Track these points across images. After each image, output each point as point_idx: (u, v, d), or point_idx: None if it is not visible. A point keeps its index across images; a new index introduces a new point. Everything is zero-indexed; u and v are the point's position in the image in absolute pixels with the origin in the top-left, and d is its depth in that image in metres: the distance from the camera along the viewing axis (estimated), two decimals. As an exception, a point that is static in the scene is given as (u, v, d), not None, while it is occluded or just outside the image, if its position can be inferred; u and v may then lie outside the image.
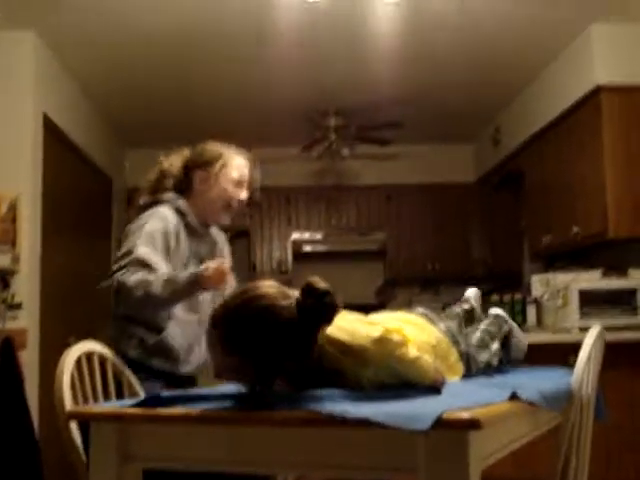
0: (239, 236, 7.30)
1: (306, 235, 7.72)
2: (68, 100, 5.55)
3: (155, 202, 2.77)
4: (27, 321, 4.55)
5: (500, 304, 5.06)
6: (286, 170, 7.50)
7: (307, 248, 7.71)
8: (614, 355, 3.35)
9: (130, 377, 2.55)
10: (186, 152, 2.90)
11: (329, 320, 1.72)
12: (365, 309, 2.17)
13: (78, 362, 2.28)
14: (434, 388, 1.77)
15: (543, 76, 5.72)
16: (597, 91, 4.84)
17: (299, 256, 7.67)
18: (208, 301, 2.74)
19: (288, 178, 7.58)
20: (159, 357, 2.64)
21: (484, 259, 7.43)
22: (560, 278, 4.99)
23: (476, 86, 6.02)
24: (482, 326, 2.47)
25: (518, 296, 5.11)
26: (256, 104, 6.06)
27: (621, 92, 4.81)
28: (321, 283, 1.71)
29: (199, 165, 2.82)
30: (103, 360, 2.46)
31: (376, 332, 1.80)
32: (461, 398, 1.65)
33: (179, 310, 2.67)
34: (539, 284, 5.16)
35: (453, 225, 7.75)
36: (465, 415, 1.42)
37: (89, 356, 2.38)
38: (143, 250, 2.55)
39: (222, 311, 1.72)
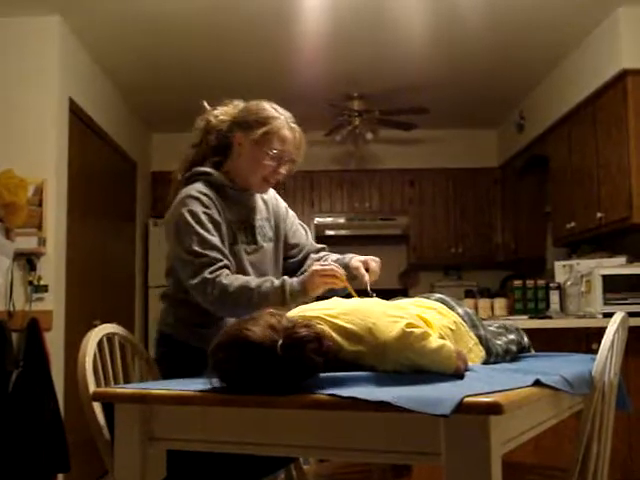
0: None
1: (329, 219, 7.72)
2: (93, 84, 5.58)
3: (190, 179, 2.57)
4: (53, 303, 4.60)
5: (523, 289, 5.05)
6: (309, 154, 7.42)
7: (330, 232, 7.70)
8: (638, 341, 3.34)
9: (149, 358, 2.56)
10: (238, 107, 2.66)
11: (312, 372, 1.67)
12: (388, 293, 2.18)
13: (100, 344, 2.30)
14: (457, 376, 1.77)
15: (568, 60, 5.67)
16: (623, 75, 4.79)
17: (322, 240, 7.64)
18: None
19: (311, 162, 7.49)
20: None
21: (507, 244, 7.40)
22: (584, 264, 4.97)
23: (500, 71, 5.98)
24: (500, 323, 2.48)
25: (541, 282, 5.09)
26: (280, 88, 6.05)
27: (647, 76, 4.76)
28: (303, 337, 1.64)
29: (241, 125, 2.57)
30: (124, 342, 2.48)
31: (397, 328, 1.79)
32: (483, 383, 1.65)
33: None
34: (562, 270, 5.14)
35: (477, 210, 7.73)
36: (486, 400, 1.42)
37: (110, 338, 2.40)
38: (214, 241, 2.39)
39: (213, 348, 1.70)
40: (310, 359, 1.63)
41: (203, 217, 2.41)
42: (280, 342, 1.62)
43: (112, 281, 6.10)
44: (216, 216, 2.46)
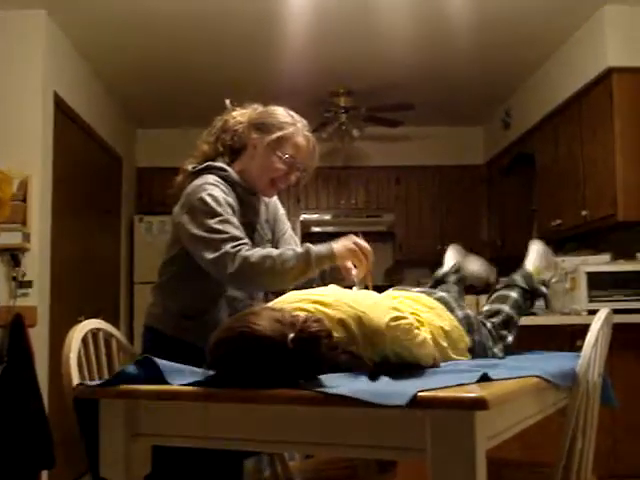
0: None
1: (315, 216, 7.73)
2: (79, 79, 5.55)
3: (202, 171, 2.55)
4: (37, 299, 4.58)
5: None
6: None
7: (316, 229, 7.70)
8: (622, 338, 3.36)
9: (134, 354, 2.55)
10: (257, 110, 2.66)
11: (322, 367, 1.67)
12: (374, 290, 2.18)
13: (84, 340, 2.29)
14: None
15: (554, 58, 5.69)
16: (609, 73, 4.81)
17: (308, 237, 7.67)
18: None
19: (298, 159, 7.57)
20: (203, 336, 2.51)
21: (493, 241, 7.42)
22: (569, 261, 4.99)
23: (487, 68, 5.99)
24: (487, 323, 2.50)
25: (527, 279, 5.09)
26: (266, 85, 6.04)
27: (633, 74, 4.78)
28: (318, 332, 1.63)
29: (257, 127, 2.58)
30: (109, 338, 2.47)
31: (385, 319, 1.81)
32: (448, 378, 1.68)
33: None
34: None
35: (462, 207, 7.74)
36: (472, 395, 1.43)
37: (95, 334, 2.39)
38: (235, 222, 2.40)
39: (215, 344, 1.68)
40: (324, 354, 1.62)
41: (223, 201, 2.43)
42: (291, 336, 1.60)
43: (97, 277, 6.08)
44: (233, 204, 2.48)
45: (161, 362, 1.75)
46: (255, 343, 1.61)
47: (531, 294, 2.70)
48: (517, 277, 2.74)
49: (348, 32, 5.20)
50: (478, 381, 1.64)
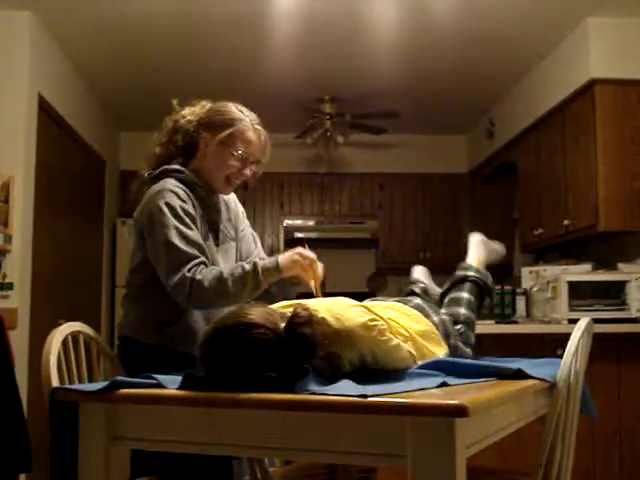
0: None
1: (298, 221, 7.72)
2: (63, 81, 5.53)
3: (159, 176, 2.53)
4: (18, 301, 4.55)
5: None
6: (280, 156, 7.39)
7: (299, 235, 7.69)
8: (602, 347, 3.38)
9: (114, 358, 2.54)
10: (205, 107, 2.67)
11: (311, 355, 1.71)
12: (356, 297, 2.19)
13: (64, 343, 2.28)
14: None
15: (538, 69, 5.72)
16: (591, 84, 4.85)
17: (291, 243, 7.67)
18: None
19: (282, 164, 7.53)
20: (181, 341, 2.47)
21: (475, 250, 7.43)
22: (550, 270, 5.01)
23: (471, 78, 6.02)
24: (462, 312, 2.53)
25: (508, 287, 5.12)
26: (252, 90, 6.03)
27: (615, 86, 4.82)
28: (302, 319, 1.68)
29: (207, 126, 2.58)
30: (89, 341, 2.45)
31: (362, 320, 1.84)
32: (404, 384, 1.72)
33: None
34: (529, 276, 5.18)
35: (445, 215, 7.77)
36: (452, 402, 1.42)
37: (75, 337, 2.37)
38: (192, 236, 2.38)
39: (207, 337, 1.71)
40: (317, 337, 1.68)
41: (180, 211, 2.40)
42: (283, 325, 1.66)
43: (79, 280, 6.05)
44: (192, 210, 2.46)
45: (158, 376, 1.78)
46: (250, 332, 1.64)
47: (479, 287, 2.73)
48: (461, 272, 2.79)
49: (334, 39, 5.21)
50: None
